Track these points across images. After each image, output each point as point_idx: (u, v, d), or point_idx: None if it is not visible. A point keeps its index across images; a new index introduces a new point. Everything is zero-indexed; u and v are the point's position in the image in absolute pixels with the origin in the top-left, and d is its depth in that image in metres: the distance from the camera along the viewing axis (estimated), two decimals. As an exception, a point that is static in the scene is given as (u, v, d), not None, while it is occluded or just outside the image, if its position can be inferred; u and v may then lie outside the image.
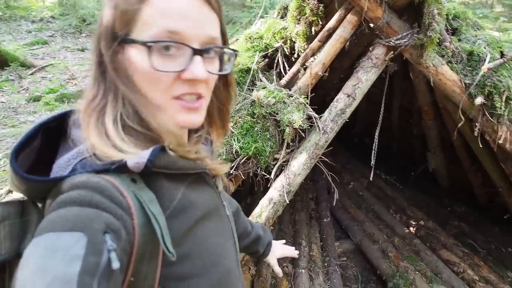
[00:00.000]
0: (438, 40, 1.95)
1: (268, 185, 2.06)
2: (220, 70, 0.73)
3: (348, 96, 2.03)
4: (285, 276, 2.98)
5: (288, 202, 1.98)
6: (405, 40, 1.94)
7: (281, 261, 3.10)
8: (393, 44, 1.97)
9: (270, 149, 2.04)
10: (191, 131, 0.82)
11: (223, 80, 0.80)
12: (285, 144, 2.04)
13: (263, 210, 1.99)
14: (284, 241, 1.62)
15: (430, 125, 3.32)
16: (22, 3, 14.08)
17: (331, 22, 2.08)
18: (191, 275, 0.68)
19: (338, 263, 3.19)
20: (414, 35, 1.91)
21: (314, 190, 4.16)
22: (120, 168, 0.60)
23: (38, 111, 6.64)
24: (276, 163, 2.03)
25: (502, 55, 2.01)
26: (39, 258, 0.49)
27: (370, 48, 2.06)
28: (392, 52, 2.01)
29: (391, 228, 3.53)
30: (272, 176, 1.98)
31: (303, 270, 2.98)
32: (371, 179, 2.47)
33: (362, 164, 4.56)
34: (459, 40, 2.22)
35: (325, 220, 3.65)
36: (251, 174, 2.06)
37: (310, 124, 2.06)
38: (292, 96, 2.06)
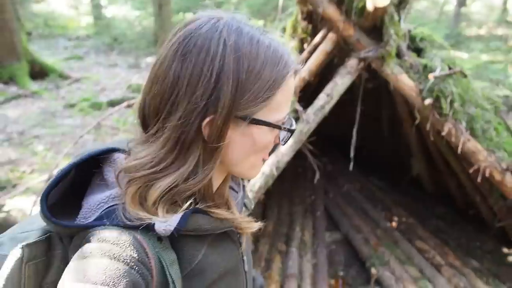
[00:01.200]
0: (396, 54, 2.53)
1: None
2: None
3: (328, 95, 2.62)
4: (278, 253, 3.50)
5: (276, 175, 2.54)
6: (371, 53, 2.53)
7: (275, 241, 3.63)
8: (363, 56, 2.56)
9: (264, 134, 2.63)
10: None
11: None
12: (276, 130, 2.62)
13: (257, 181, 2.56)
14: None
15: (410, 132, 3.85)
16: (60, 23, 15.26)
17: (316, 39, 2.70)
18: None
19: (326, 247, 3.70)
20: (378, 49, 2.50)
21: (312, 190, 4.69)
22: (147, 228, 0.62)
23: (74, 116, 7.42)
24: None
25: (449, 68, 2.57)
26: None
27: (346, 59, 2.66)
28: (362, 62, 2.61)
29: (376, 222, 4.01)
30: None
31: (294, 249, 3.50)
32: (350, 168, 3.01)
33: (357, 171, 5.09)
34: (423, 57, 2.79)
35: (318, 213, 4.17)
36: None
37: (297, 117, 2.65)
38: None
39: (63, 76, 9.15)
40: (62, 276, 0.55)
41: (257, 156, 0.73)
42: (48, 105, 7.65)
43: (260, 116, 0.67)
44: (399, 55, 2.61)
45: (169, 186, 0.64)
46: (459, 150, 2.50)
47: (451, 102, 2.51)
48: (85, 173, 0.70)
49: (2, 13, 6.82)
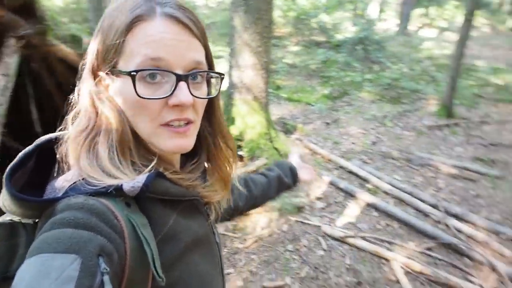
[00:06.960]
0: (52, 28, 2.99)
1: None
2: (209, 94, 0.77)
3: (5, 75, 2.74)
4: None
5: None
6: (29, 30, 2.84)
7: None
8: (22, 34, 2.83)
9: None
10: (187, 159, 0.84)
11: (209, 104, 0.81)
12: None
13: None
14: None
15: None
16: None
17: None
18: None
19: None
20: (36, 25, 2.85)
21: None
22: (115, 191, 0.61)
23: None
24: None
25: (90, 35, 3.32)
26: (31, 279, 0.48)
27: (7, 40, 2.81)
28: (23, 40, 2.86)
29: None
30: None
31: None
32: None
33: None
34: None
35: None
36: None
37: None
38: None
39: None
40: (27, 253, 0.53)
41: (145, 121, 0.68)
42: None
43: (121, 66, 0.66)
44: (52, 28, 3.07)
45: (104, 142, 0.66)
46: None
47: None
48: (46, 164, 0.71)
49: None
